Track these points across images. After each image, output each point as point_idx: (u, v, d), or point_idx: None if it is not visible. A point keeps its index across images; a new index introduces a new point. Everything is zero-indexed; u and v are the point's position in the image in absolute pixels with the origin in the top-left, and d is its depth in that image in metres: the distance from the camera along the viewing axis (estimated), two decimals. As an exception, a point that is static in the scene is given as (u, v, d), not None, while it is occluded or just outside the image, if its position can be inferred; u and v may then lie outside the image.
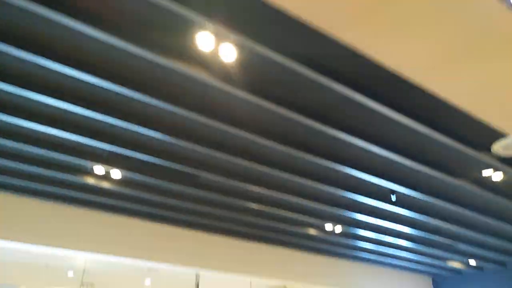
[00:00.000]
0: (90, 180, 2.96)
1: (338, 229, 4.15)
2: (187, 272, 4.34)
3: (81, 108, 2.15)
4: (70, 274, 5.18)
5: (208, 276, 4.61)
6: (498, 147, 2.65)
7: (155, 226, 4.12)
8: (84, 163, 2.71)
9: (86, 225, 3.74)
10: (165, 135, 2.39)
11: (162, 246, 4.13)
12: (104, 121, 2.38)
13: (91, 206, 3.69)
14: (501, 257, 5.10)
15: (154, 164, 2.89)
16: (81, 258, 4.70)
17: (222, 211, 3.70)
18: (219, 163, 2.90)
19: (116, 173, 2.88)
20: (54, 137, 2.58)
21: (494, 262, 5.27)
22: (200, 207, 3.66)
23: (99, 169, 2.83)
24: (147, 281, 5.57)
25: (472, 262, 5.28)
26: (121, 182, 3.10)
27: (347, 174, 2.99)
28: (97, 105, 2.20)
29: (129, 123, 2.29)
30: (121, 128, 2.46)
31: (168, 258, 4.13)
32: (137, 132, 2.51)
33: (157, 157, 2.69)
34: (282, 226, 4.13)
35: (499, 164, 2.74)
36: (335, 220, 3.96)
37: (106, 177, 2.98)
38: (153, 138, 2.57)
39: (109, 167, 2.76)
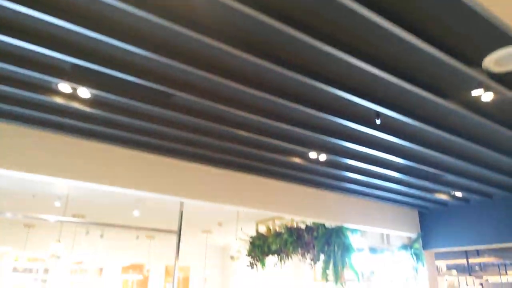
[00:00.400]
0: (58, 100, 2.80)
1: (323, 157, 4.08)
2: (173, 201, 4.33)
3: (42, 13, 1.93)
4: (57, 204, 5.20)
5: (193, 205, 4.62)
6: (489, 62, 2.47)
7: (137, 154, 4.03)
8: (48, 78, 2.53)
9: (63, 151, 3.63)
10: (140, 48, 2.20)
11: (145, 174, 4.07)
12: (68, 28, 2.16)
13: (66, 131, 3.55)
14: (488, 189, 5.11)
15: (128, 82, 2.71)
16: (66, 188, 4.68)
17: (204, 137, 3.59)
18: (200, 83, 2.72)
19: (84, 92, 2.71)
20: (12, 47, 2.38)
21: (481, 193, 5.30)
22: (181, 133, 3.55)
23: (64, 87, 2.66)
24: (136, 213, 5.61)
25: (459, 193, 5.31)
26: (92, 102, 2.94)
27: (328, 93, 2.83)
28: (60, 10, 1.97)
29: (96, 33, 2.08)
30: (87, 38, 2.24)
31: (152, 187, 4.08)
32: (106, 43, 2.29)
33: (131, 75, 2.51)
34: (266, 154, 4.05)
35: (490, 82, 2.58)
36: (319, 147, 3.87)
37: (74, 96, 2.81)
38: (126, 51, 2.36)
39: (75, 84, 2.59)
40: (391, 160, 4.12)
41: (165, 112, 3.09)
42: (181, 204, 4.35)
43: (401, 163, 4.23)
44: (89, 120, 3.26)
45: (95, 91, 2.69)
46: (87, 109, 2.95)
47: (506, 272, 11.21)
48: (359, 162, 4.18)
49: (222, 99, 2.93)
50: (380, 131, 3.39)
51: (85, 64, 2.37)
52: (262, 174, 4.74)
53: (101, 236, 7.99)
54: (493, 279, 11.70)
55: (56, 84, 2.67)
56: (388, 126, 3.40)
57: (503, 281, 11.32)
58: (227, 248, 9.89)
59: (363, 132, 3.43)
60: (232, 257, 5.94)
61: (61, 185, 4.62)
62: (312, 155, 4.03)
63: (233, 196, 4.59)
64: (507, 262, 11.43)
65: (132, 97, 2.81)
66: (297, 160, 4.16)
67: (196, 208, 6.63)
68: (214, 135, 3.62)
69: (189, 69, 2.44)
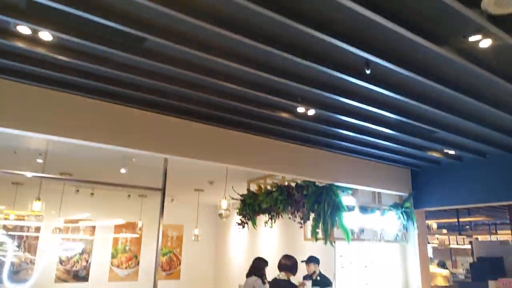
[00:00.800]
0: (19, 43, 2.57)
1: (311, 112, 3.90)
2: (157, 158, 4.20)
3: None
4: (40, 160, 5.07)
5: (182, 163, 4.50)
6: (489, 2, 2.24)
7: (115, 108, 3.84)
8: (4, 18, 2.29)
9: (41, 104, 3.43)
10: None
11: (126, 130, 3.90)
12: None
13: (39, 81, 3.33)
14: (482, 147, 4.99)
15: (95, 24, 2.47)
16: (45, 144, 4.52)
17: (185, 89, 3.40)
18: (177, 27, 2.49)
19: (45, 35, 2.49)
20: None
21: (474, 152, 5.17)
22: (159, 84, 3.34)
23: (23, 29, 2.43)
24: (122, 170, 5.51)
25: (452, 151, 5.19)
26: (56, 47, 2.72)
27: (316, 39, 2.60)
28: None
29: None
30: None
31: (134, 143, 3.92)
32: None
33: (97, 15, 2.28)
34: (253, 109, 3.87)
35: (488, 25, 2.36)
36: (308, 101, 3.68)
37: (35, 39, 2.58)
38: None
39: (35, 25, 2.36)
40: (383, 115, 3.94)
41: (139, 60, 2.87)
42: (165, 160, 4.22)
43: (393, 119, 4.06)
44: (55, 67, 3.04)
45: (58, 34, 2.46)
46: (52, 55, 2.73)
47: (496, 231, 11.38)
48: (349, 118, 4.01)
49: (203, 46, 2.70)
50: (371, 83, 3.19)
51: (44, 1, 2.13)
52: (250, 130, 4.57)
53: (92, 194, 7.93)
54: (483, 238, 11.91)
55: (15, 25, 2.43)
56: (379, 77, 3.20)
57: (492, 240, 11.52)
58: (220, 207, 9.92)
59: (353, 83, 3.22)
60: (220, 215, 5.89)
61: (41, 142, 4.46)
62: (301, 109, 3.85)
63: (220, 153, 4.45)
64: (498, 221, 11.59)
65: (100, 41, 2.59)
66: (285, 115, 3.99)
67: (187, 166, 6.53)
68: (195, 87, 3.42)
69: (165, 10, 2.20)
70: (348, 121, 4.17)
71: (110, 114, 3.82)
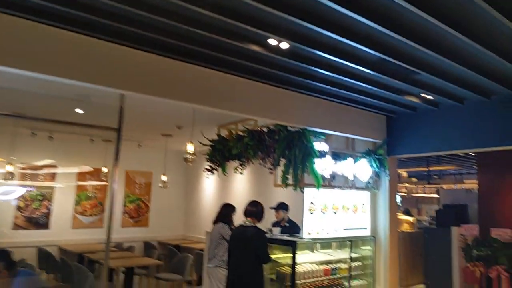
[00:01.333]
0: None
1: (285, 45, 3.51)
2: (113, 94, 3.75)
3: None
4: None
5: (139, 101, 4.08)
6: None
7: (65, 34, 3.32)
8: None
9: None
10: None
11: (80, 61, 3.43)
12: None
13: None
14: (460, 92, 4.78)
15: None
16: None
17: (143, 13, 2.92)
18: None
19: None
20: None
21: (452, 97, 4.98)
22: (116, 6, 2.85)
23: None
24: (78, 110, 5.03)
25: (429, 96, 4.97)
26: None
27: None
28: None
29: None
30: None
31: (85, 76, 3.46)
32: None
33: None
34: (221, 39, 3.44)
35: None
36: (280, 31, 3.28)
37: None
38: None
39: None
40: (364, 51, 3.60)
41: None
42: (122, 97, 3.79)
43: (374, 56, 3.73)
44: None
45: None
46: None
47: (462, 180, 11.69)
48: (326, 54, 3.65)
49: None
50: (353, 11, 2.81)
51: None
52: (217, 66, 4.15)
53: (50, 138, 7.39)
54: (449, 187, 12.26)
55: None
56: (358, 4, 2.81)
57: (458, 188, 11.87)
58: (185, 151, 9.63)
59: (332, 9, 2.82)
60: (185, 159, 5.59)
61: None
62: (273, 41, 3.45)
63: (184, 92, 4.04)
64: (464, 171, 11.89)
65: None
66: (256, 47, 3.58)
67: (151, 108, 6.11)
68: (154, 11, 2.94)
69: None
70: (324, 58, 3.81)
71: (60, 42, 3.31)
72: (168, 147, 9.14)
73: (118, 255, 7.16)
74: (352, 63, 3.87)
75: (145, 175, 9.77)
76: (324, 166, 5.29)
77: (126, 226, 9.30)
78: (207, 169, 6.44)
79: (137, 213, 9.56)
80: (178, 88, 3.98)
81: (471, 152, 8.70)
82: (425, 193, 12.68)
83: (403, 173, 11.51)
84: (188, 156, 5.37)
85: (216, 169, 6.51)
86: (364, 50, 3.55)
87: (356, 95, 4.98)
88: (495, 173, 9.09)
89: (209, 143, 6.44)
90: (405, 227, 10.14)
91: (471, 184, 10.81)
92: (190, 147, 5.52)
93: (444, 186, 12.12)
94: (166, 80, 3.91)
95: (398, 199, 11.07)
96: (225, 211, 5.69)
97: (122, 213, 9.30)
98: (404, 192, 13.08)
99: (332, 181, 5.69)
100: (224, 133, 6.54)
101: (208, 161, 6.46)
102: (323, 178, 5.29)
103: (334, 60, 3.83)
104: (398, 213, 9.60)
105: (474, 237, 8.43)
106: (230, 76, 4.35)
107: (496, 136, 4.88)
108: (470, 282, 8.23)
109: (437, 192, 13.01)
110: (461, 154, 9.10)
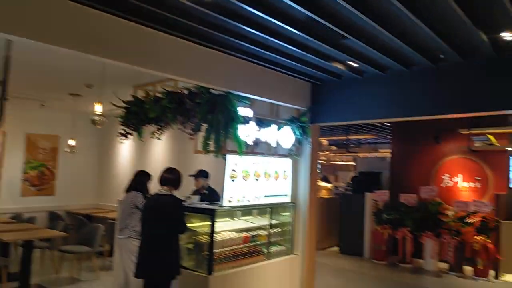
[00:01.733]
0: None
1: (207, -7, 3.10)
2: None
3: None
4: None
5: (35, 50, 3.39)
6: None
7: None
8: None
9: None
10: None
11: None
12: None
13: None
14: (385, 61, 4.78)
15: None
16: None
17: None
18: None
19: None
20: None
21: (376, 66, 4.97)
22: None
23: None
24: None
25: (355, 64, 4.91)
26: None
27: None
28: None
29: None
30: None
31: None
32: None
33: None
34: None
35: None
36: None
37: None
38: None
39: None
40: (294, 8, 3.32)
41: None
42: (8, 43, 3.09)
43: (303, 14, 3.47)
44: None
45: None
46: None
47: (377, 149, 12.37)
48: (253, 9, 3.31)
49: None
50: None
51: None
52: (129, 14, 3.58)
53: None
54: (364, 155, 12.94)
55: None
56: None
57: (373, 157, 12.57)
58: (93, 112, 8.83)
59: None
60: (93, 121, 4.98)
61: None
62: (193, -13, 3.02)
63: (86, 41, 3.43)
64: (378, 140, 12.60)
65: None
66: (173, -6, 3.11)
67: (54, 61, 5.33)
68: None
69: None
70: (251, 13, 3.46)
71: None
72: (77, 109, 8.25)
73: (14, 227, 6.35)
74: (280, 22, 3.58)
75: (50, 138, 8.77)
76: (248, 132, 5.07)
77: (27, 195, 8.34)
78: (121, 134, 5.87)
79: (41, 180, 8.60)
80: (80, 37, 3.36)
81: (387, 122, 9.15)
82: (342, 161, 13.28)
83: (324, 141, 11.86)
84: (96, 118, 4.77)
85: (131, 134, 5.97)
86: (294, 7, 3.27)
87: (283, 58, 4.73)
88: (405, 143, 9.71)
89: (123, 104, 5.84)
90: (323, 194, 10.53)
91: (385, 152, 11.50)
92: (98, 108, 4.92)
93: (360, 155, 12.79)
94: (65, 25, 3.27)
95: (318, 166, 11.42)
96: (139, 179, 5.25)
97: (22, 181, 8.30)
98: (324, 160, 13.57)
99: (255, 148, 5.51)
100: (140, 94, 5.97)
101: (122, 125, 5.88)
102: (246, 144, 5.08)
103: (262, 17, 3.51)
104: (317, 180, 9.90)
105: (385, 202, 9.02)
106: (145, 28, 3.81)
107: (413, 106, 5.02)
108: (378, 243, 8.88)
109: (354, 160, 13.71)
110: (377, 124, 9.53)
